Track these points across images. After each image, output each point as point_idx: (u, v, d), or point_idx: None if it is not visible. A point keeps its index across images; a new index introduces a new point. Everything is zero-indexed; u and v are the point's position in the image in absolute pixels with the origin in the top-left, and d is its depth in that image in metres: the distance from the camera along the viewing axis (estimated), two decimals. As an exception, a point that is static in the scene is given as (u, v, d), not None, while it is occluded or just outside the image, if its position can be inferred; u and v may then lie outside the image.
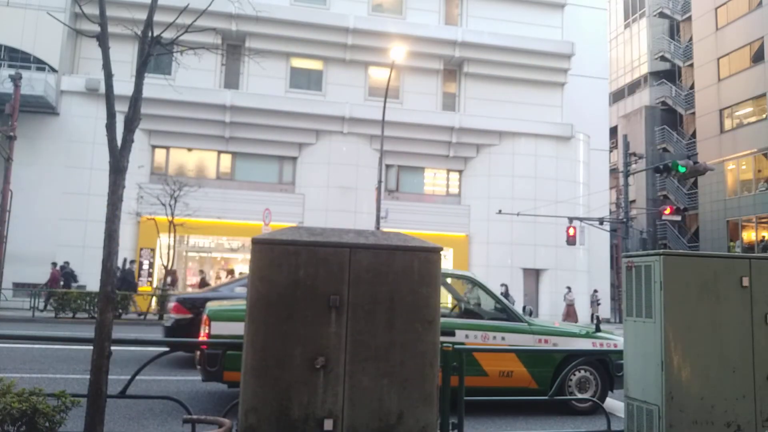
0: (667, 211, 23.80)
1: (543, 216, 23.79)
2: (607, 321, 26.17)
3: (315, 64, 25.64)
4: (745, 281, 4.51)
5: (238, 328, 5.78)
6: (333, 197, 24.10)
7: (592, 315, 25.14)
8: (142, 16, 4.76)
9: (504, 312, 7.31)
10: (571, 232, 23.02)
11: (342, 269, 3.62)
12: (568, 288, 24.16)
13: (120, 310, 17.75)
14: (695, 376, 4.30)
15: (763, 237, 28.73)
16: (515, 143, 25.58)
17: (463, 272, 8.40)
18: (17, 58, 22.21)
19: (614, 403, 7.20)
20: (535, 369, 6.89)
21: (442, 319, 6.87)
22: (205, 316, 6.63)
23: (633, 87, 39.63)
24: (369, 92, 25.67)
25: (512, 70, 26.34)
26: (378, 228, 20.12)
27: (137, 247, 22.72)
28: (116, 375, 4.44)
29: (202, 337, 6.47)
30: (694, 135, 34.34)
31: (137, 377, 4.28)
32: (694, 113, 34.13)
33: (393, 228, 19.80)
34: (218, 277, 23.37)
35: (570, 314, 23.05)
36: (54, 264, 20.22)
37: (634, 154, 25.27)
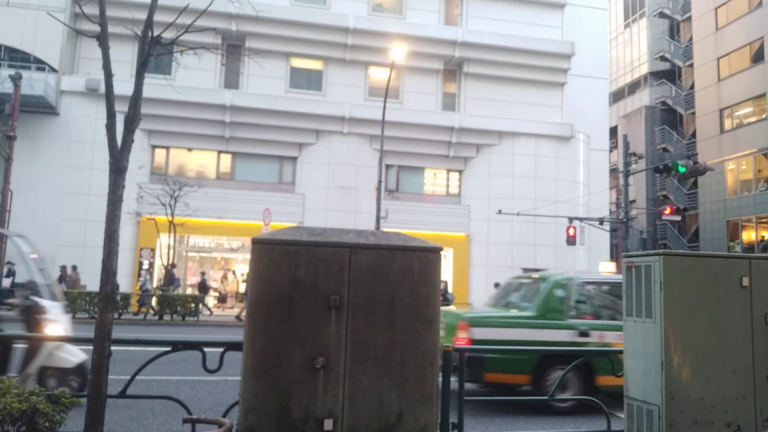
0: (667, 211, 23.79)
1: (543, 216, 23.79)
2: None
3: (315, 64, 25.64)
4: (745, 281, 4.51)
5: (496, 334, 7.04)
6: (333, 197, 24.10)
7: None
8: (142, 16, 4.75)
9: None
10: (571, 232, 23.01)
11: (342, 269, 3.62)
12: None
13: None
14: (695, 376, 4.30)
15: (763, 237, 28.73)
16: (515, 143, 25.58)
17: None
18: (17, 58, 22.22)
19: (614, 403, 7.18)
20: None
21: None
22: (463, 322, 7.20)
23: (633, 87, 39.63)
24: (369, 92, 25.66)
25: (512, 70, 26.34)
26: (378, 228, 20.12)
27: (137, 247, 22.72)
28: (116, 375, 4.45)
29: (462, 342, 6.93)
30: (694, 135, 34.33)
31: (137, 377, 4.28)
32: (694, 113, 34.12)
33: (393, 228, 19.80)
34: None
35: None
36: None
37: (634, 154, 25.25)
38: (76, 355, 6.50)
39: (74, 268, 20.08)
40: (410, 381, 3.59)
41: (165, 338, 4.57)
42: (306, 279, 3.57)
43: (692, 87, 34.83)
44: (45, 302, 6.47)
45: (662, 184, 35.33)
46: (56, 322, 6.43)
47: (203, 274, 22.04)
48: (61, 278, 19.68)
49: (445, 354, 4.44)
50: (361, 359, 3.57)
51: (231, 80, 25.02)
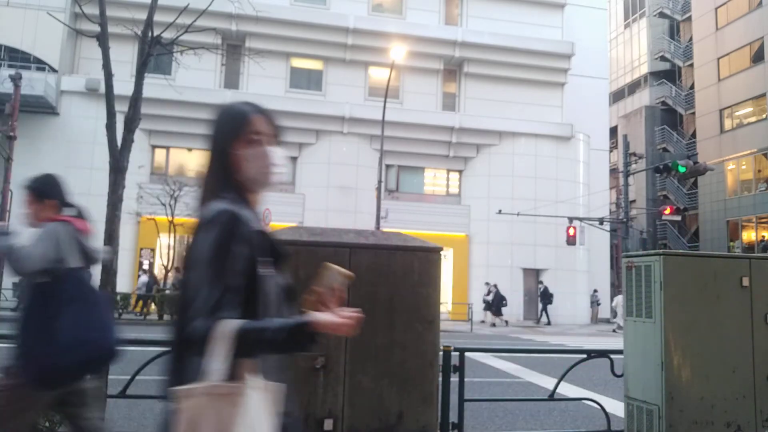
0: (667, 211, 23.79)
1: (543, 216, 23.79)
2: (607, 321, 26.16)
3: (315, 64, 25.64)
4: (745, 281, 4.51)
5: None
6: (333, 197, 24.09)
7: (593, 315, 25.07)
8: (142, 16, 4.76)
9: None
10: (571, 232, 23.01)
11: (342, 269, 3.61)
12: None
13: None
14: (695, 376, 4.30)
15: (763, 237, 28.72)
16: (515, 143, 25.58)
17: None
18: (17, 58, 22.21)
19: (614, 403, 7.19)
20: None
21: None
22: None
23: (633, 87, 39.61)
24: (369, 92, 25.66)
25: (512, 70, 26.34)
26: (378, 228, 20.11)
27: (137, 247, 22.71)
28: (116, 375, 4.45)
29: None
30: (694, 135, 34.32)
31: (137, 377, 4.28)
32: (694, 113, 34.12)
33: (393, 228, 19.77)
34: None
35: None
36: None
37: (634, 154, 25.25)
38: None
39: None
40: (410, 381, 3.59)
41: (165, 338, 4.57)
42: (306, 279, 3.57)
43: (692, 87, 34.82)
44: None
45: (662, 184, 35.32)
46: None
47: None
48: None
49: (445, 354, 4.44)
50: (361, 359, 3.57)
51: (231, 80, 25.02)
